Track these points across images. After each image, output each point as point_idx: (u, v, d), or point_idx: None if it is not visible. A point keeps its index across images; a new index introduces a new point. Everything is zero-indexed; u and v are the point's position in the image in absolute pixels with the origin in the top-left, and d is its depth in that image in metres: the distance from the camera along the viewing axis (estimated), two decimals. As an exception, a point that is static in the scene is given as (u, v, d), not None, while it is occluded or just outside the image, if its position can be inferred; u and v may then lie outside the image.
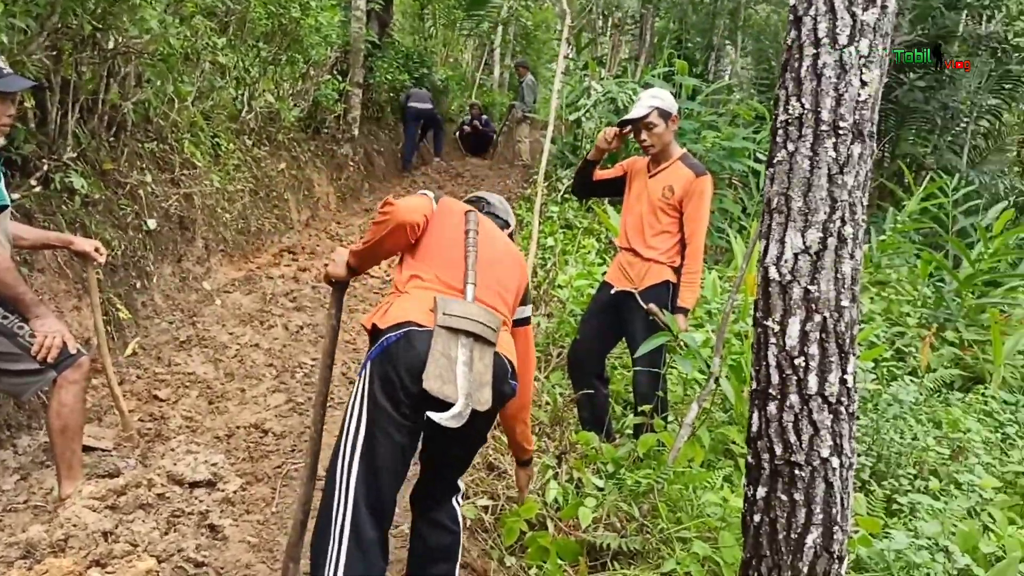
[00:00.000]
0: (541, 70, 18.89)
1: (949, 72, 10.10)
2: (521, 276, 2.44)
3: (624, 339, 4.06)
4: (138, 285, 5.29)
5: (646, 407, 3.69)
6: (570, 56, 18.64)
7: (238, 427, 4.07)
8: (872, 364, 5.02)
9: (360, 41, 10.05)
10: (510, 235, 2.66)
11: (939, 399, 4.90)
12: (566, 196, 9.16)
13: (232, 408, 4.31)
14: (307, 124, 9.27)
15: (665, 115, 3.70)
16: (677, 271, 3.78)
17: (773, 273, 1.91)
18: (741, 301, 5.09)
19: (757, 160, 8.96)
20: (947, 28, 10.01)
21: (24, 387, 2.94)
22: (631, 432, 4.05)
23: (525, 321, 2.56)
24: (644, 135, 3.71)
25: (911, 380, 4.41)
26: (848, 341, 1.86)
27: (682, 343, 3.52)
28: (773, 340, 1.90)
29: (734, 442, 4.14)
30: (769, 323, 1.91)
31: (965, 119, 10.83)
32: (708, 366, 3.50)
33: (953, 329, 6.09)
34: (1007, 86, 10.89)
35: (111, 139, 5.30)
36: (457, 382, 1.99)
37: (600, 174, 4.01)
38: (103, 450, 3.72)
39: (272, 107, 8.00)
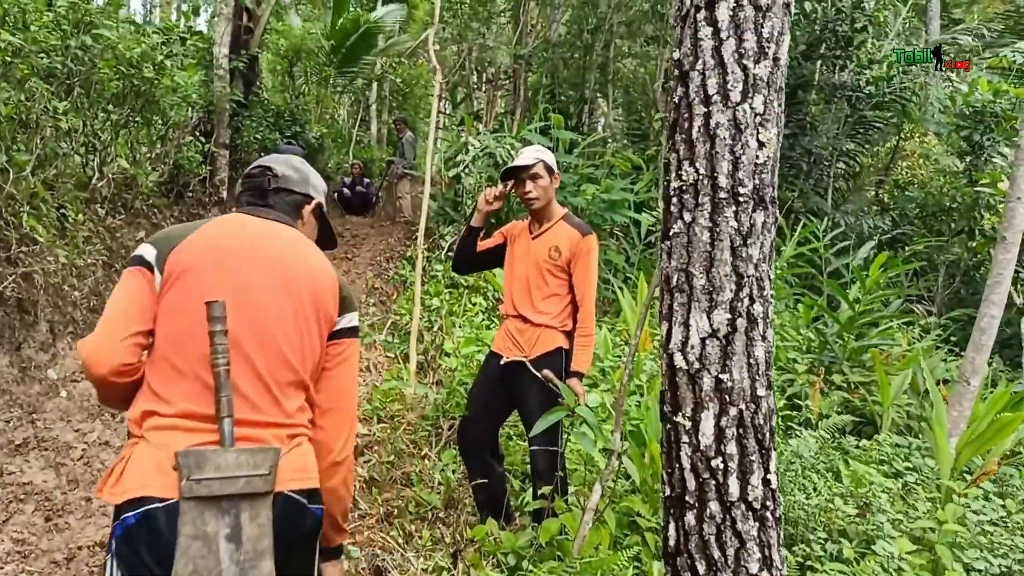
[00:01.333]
0: (419, 125, 18.73)
1: (809, 119, 10.54)
2: (318, 298, 1.81)
3: (517, 411, 3.78)
4: (-37, 383, 4.65)
5: (546, 488, 3.40)
6: (445, 112, 18.62)
7: (80, 547, 3.51)
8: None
9: (224, 100, 9.57)
10: (318, 207, 2.02)
11: (833, 446, 4.84)
12: (451, 254, 8.90)
13: (74, 523, 3.74)
14: (168, 189, 8.68)
15: (550, 169, 3.54)
16: (569, 335, 3.55)
17: (679, 361, 1.67)
18: (634, 362, 4.91)
19: (637, 210, 9.02)
20: (804, 77, 10.48)
21: None
22: (531, 511, 3.75)
23: (350, 332, 1.92)
24: (529, 186, 3.50)
25: (810, 434, 4.32)
26: (768, 435, 1.64)
27: (580, 416, 3.26)
28: (685, 439, 1.65)
29: (639, 514, 3.90)
30: (679, 419, 1.67)
31: (826, 163, 11.32)
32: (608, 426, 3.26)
33: (839, 372, 6.12)
34: (861, 130, 11.49)
35: (-69, 215, 4.68)
36: (221, 566, 1.53)
37: (481, 244, 3.76)
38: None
39: (127, 172, 7.41)
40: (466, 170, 9.02)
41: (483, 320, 6.73)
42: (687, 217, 1.67)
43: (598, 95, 14.10)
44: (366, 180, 14.49)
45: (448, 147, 9.84)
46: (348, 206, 14.31)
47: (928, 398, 6.12)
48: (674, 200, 1.70)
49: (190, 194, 9.16)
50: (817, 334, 6.69)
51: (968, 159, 9.98)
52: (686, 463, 1.65)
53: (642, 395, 5.27)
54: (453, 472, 4.39)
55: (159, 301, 1.69)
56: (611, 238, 9.09)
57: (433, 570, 3.14)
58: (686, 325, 1.67)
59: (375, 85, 18.11)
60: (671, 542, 1.68)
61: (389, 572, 3.28)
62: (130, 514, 1.55)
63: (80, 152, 6.75)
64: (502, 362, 3.62)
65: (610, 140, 12.84)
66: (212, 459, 1.56)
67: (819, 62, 10.57)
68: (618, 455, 3.17)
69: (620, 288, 8.23)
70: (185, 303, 1.67)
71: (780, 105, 1.69)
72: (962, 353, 8.50)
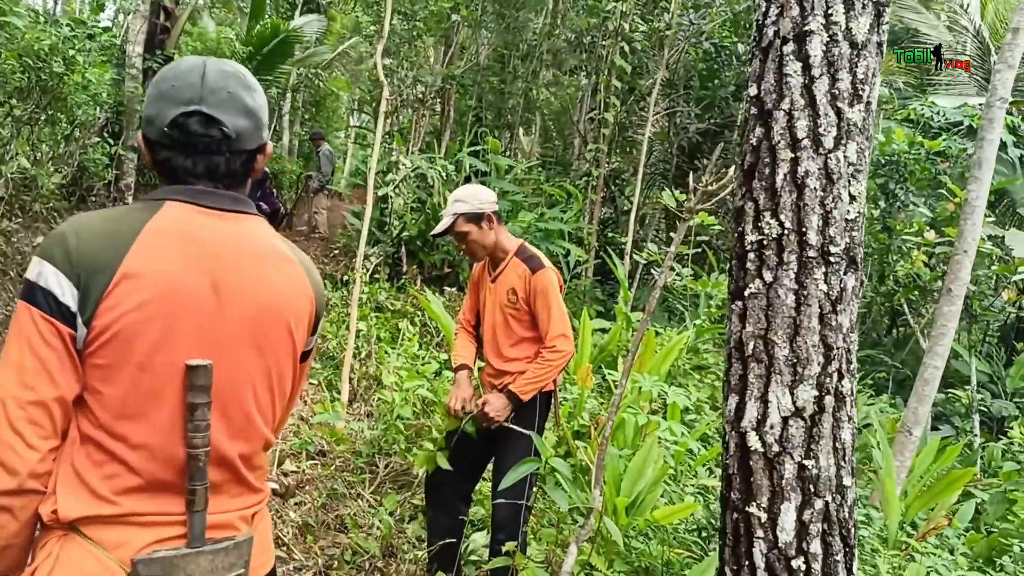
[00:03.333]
0: (330, 139, 18.25)
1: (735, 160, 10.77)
2: (294, 333, 1.38)
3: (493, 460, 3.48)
4: None
5: (509, 544, 3.12)
6: (359, 126, 18.13)
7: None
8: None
9: (135, 101, 8.93)
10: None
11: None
12: (375, 276, 8.52)
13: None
14: (71, 192, 8.00)
15: (475, 217, 3.15)
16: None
17: (754, 441, 1.45)
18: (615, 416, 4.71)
19: (568, 240, 8.91)
20: (732, 116, 10.68)
21: None
22: (491, 569, 3.47)
23: (305, 356, 1.51)
24: (462, 244, 3.23)
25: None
26: (852, 531, 1.43)
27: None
28: (760, 533, 1.43)
29: (594, 567, 3.66)
30: (753, 510, 1.44)
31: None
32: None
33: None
34: (780, 172, 11.79)
35: None
36: None
37: (470, 310, 3.50)
38: None
39: (27, 173, 6.75)
40: (395, 190, 8.69)
41: (419, 350, 6.37)
42: (767, 276, 1.46)
43: (519, 121, 14.02)
44: (272, 191, 13.80)
45: (376, 163, 9.47)
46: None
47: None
48: (751, 256, 1.49)
49: (93, 198, 8.47)
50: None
51: (882, 206, 10.35)
52: (759, 561, 1.43)
53: (586, 436, 5.07)
54: (391, 515, 4.07)
55: (86, 359, 1.20)
56: (541, 267, 8.90)
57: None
58: (763, 401, 1.45)
59: (289, 95, 17.53)
60: (742, 655, 1.45)
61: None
62: None
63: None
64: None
65: (536, 168, 12.77)
66: (182, 566, 1.22)
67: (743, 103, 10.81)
68: (598, 514, 2.94)
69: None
70: (133, 370, 1.20)
71: (869, 156, 1.50)
72: (875, 395, 8.72)
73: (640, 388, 4.82)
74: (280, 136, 18.66)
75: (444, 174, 8.49)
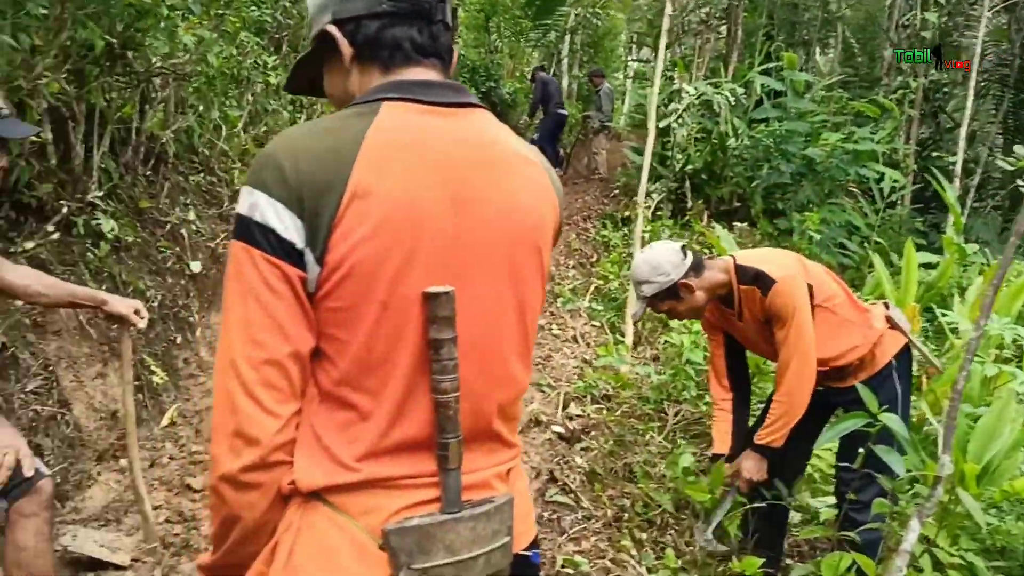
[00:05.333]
0: (609, 78, 18.05)
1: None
2: (543, 252, 1.14)
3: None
4: (178, 340, 4.50)
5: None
6: (636, 60, 17.58)
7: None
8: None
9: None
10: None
11: None
12: (658, 213, 8.14)
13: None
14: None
15: (669, 293, 2.67)
16: (882, 338, 2.76)
17: None
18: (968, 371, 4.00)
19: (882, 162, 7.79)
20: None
21: None
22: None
23: None
24: (673, 316, 2.85)
25: None
26: None
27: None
28: None
29: (935, 543, 3.05)
30: None
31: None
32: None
33: None
34: None
35: (148, 173, 4.57)
36: None
37: (718, 357, 3.01)
38: (118, 567, 2.91)
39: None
40: (679, 121, 8.17)
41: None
42: None
43: (816, 37, 12.64)
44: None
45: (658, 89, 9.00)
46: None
47: None
48: None
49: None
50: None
51: None
52: None
53: (914, 388, 4.34)
54: (675, 463, 3.80)
55: (319, 303, 0.99)
56: (847, 197, 7.91)
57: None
58: None
59: (567, 38, 17.50)
60: None
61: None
62: None
63: (288, 109, 6.64)
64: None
65: (836, 87, 11.48)
66: (439, 536, 1.03)
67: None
68: (950, 484, 2.38)
69: (856, 253, 7.16)
70: (376, 308, 0.99)
71: None
72: None
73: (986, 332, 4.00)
74: (560, 79, 18.81)
75: (732, 98, 7.80)
